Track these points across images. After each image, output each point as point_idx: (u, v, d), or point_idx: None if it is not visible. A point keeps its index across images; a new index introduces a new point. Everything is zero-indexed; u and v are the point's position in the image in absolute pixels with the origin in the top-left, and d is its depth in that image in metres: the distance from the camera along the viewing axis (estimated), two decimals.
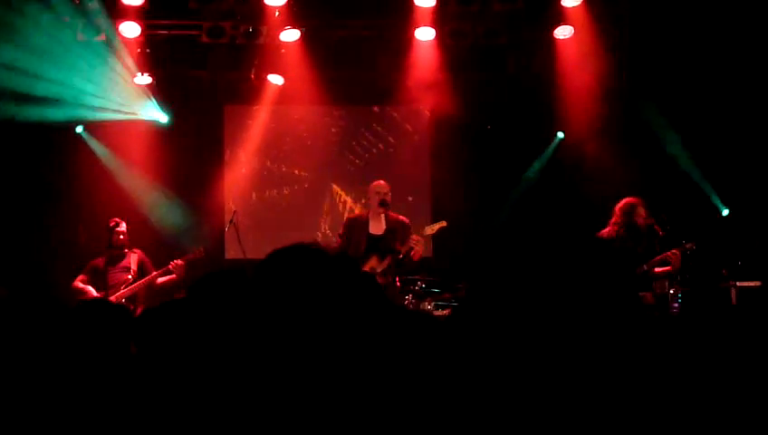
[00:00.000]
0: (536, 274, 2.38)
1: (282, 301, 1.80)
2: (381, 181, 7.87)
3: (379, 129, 10.71)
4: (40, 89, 9.04)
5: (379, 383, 1.80)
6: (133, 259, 8.18)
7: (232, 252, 9.70)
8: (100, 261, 8.19)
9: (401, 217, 7.84)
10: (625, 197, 7.65)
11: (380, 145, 10.69)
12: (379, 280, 7.22)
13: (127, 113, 9.80)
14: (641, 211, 7.53)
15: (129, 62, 9.40)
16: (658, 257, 7.41)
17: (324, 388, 1.75)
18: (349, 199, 10.54)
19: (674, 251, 7.36)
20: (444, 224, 7.78)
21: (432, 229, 7.77)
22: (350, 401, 1.75)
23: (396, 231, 7.64)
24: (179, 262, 8.01)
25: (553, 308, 2.25)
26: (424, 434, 1.86)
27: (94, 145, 9.93)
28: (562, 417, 2.10)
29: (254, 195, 10.61)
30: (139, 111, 9.88)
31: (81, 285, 8.06)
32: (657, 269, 7.48)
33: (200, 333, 1.96)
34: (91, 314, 3.46)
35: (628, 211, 7.54)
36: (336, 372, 1.77)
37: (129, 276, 8.07)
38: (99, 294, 7.92)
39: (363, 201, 9.76)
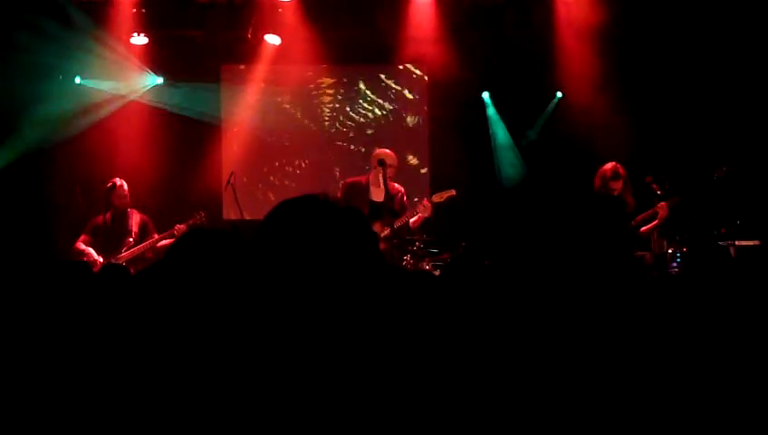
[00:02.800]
0: (534, 231, 2.37)
1: (288, 252, 1.79)
2: (387, 150, 7.87)
3: (375, 93, 10.62)
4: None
5: (383, 344, 1.79)
6: (135, 219, 8.22)
7: (230, 213, 9.68)
8: (101, 219, 8.18)
9: (397, 185, 7.87)
10: (610, 161, 7.71)
11: (377, 110, 10.61)
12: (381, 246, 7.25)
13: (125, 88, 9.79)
14: (606, 172, 7.62)
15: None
16: (646, 213, 7.52)
17: (325, 347, 1.74)
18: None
19: (661, 204, 7.50)
20: (453, 193, 7.75)
21: (441, 197, 7.75)
22: (352, 363, 1.74)
23: (394, 199, 7.67)
24: (181, 226, 8.05)
25: (550, 265, 2.24)
26: (423, 390, 1.86)
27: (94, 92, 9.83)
28: (558, 374, 2.10)
29: (251, 154, 10.55)
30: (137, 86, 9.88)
31: (82, 246, 8.14)
32: (644, 228, 7.58)
33: (188, 293, 1.95)
34: (89, 275, 3.46)
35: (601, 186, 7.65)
36: (336, 326, 1.76)
37: (131, 239, 8.11)
38: (99, 257, 7.99)
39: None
